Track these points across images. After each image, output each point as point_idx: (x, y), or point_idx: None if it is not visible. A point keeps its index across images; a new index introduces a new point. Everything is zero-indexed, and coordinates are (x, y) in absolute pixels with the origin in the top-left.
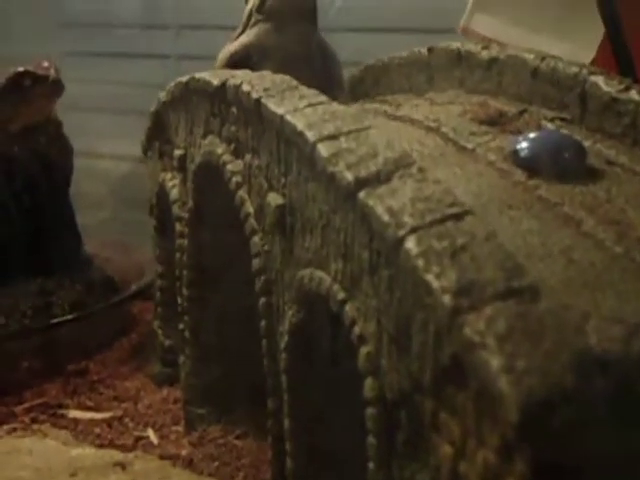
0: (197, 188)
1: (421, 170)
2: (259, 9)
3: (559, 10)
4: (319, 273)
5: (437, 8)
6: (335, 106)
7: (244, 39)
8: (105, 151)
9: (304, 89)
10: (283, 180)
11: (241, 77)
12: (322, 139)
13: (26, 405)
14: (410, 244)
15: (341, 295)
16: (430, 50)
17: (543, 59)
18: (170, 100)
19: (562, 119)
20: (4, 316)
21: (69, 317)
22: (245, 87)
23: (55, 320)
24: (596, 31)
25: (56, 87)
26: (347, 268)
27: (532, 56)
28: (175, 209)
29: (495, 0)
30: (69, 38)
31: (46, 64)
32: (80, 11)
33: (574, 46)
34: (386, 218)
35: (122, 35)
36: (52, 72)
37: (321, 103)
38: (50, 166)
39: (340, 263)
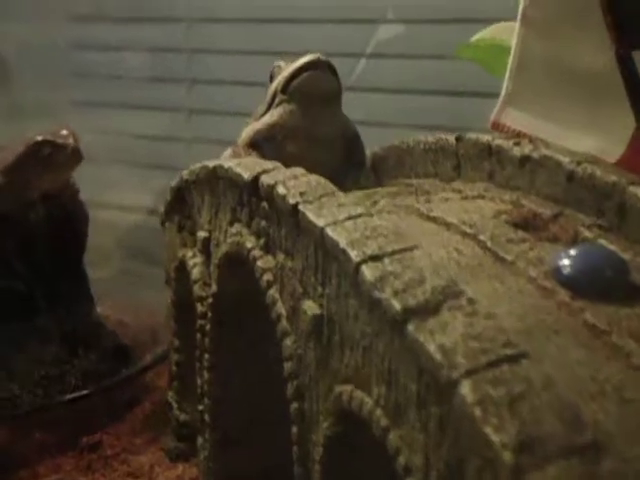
0: (223, 275)
1: (471, 302)
2: (284, 89)
3: (590, 105)
4: (360, 394)
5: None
6: (376, 220)
7: (268, 119)
8: (111, 201)
9: (341, 195)
10: (320, 290)
11: (275, 176)
12: (366, 260)
13: None
14: (465, 389)
15: (384, 422)
16: (458, 139)
17: (579, 163)
18: (194, 181)
19: (600, 226)
20: (18, 385)
21: (84, 392)
22: (281, 189)
23: (71, 396)
24: (627, 127)
25: (75, 156)
26: (391, 395)
27: (568, 159)
28: (196, 289)
29: (527, 95)
30: (78, 88)
31: (65, 132)
32: (90, 61)
33: (604, 142)
34: (438, 357)
35: (131, 87)
36: (71, 141)
37: (361, 215)
38: (66, 233)
39: (383, 388)
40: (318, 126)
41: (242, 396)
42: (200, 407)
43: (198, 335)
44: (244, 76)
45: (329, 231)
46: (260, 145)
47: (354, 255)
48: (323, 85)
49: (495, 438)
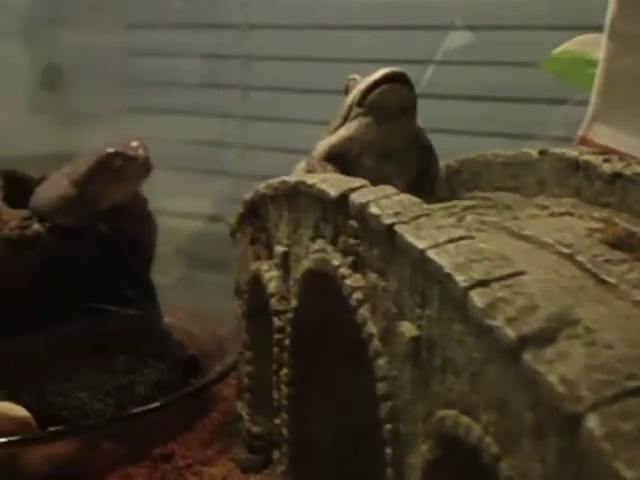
0: (304, 291)
1: (588, 330)
2: (360, 103)
3: None
4: (466, 420)
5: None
6: (478, 243)
7: (344, 132)
8: (169, 208)
9: (437, 216)
10: (418, 312)
11: (365, 194)
12: (474, 285)
13: None
14: (592, 423)
15: (495, 449)
16: (542, 153)
17: None
18: (271, 195)
19: None
20: (87, 394)
21: (157, 404)
22: (374, 209)
23: (147, 407)
24: None
25: (145, 167)
26: (502, 423)
27: None
28: (273, 303)
29: (616, 111)
30: (134, 94)
31: (135, 144)
32: (146, 68)
33: None
34: (560, 389)
35: (186, 93)
36: (141, 152)
37: (462, 238)
38: (135, 244)
39: (493, 416)
40: (394, 139)
41: (321, 411)
42: (277, 421)
43: (275, 349)
44: (299, 83)
45: (431, 254)
46: (336, 159)
47: (461, 280)
48: (400, 98)
49: (627, 474)
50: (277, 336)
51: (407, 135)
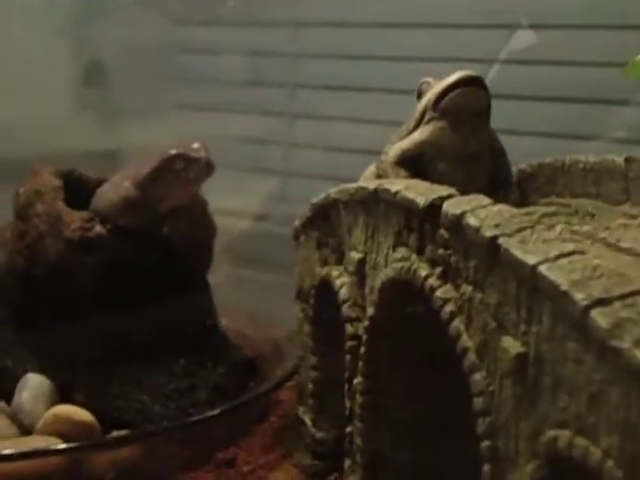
0: (383, 299)
1: None
2: (434, 106)
3: None
4: (583, 442)
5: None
6: (591, 259)
7: (417, 136)
8: (216, 205)
9: (540, 228)
10: (524, 327)
11: (458, 204)
12: (594, 304)
13: None
14: None
15: (618, 474)
16: (628, 160)
17: None
18: (345, 200)
19: None
20: (149, 397)
21: (222, 409)
22: (472, 220)
23: (213, 413)
24: None
25: (207, 169)
26: (627, 447)
27: None
28: (346, 309)
29: None
30: (181, 91)
31: (196, 145)
32: (192, 66)
33: None
34: None
35: (234, 90)
36: (203, 154)
37: (574, 253)
38: (195, 246)
39: (616, 439)
40: (469, 143)
41: (395, 420)
42: (349, 429)
43: (347, 356)
44: (347, 81)
45: (543, 270)
46: (409, 163)
47: (580, 299)
48: (475, 102)
49: None
50: (350, 343)
51: (481, 139)
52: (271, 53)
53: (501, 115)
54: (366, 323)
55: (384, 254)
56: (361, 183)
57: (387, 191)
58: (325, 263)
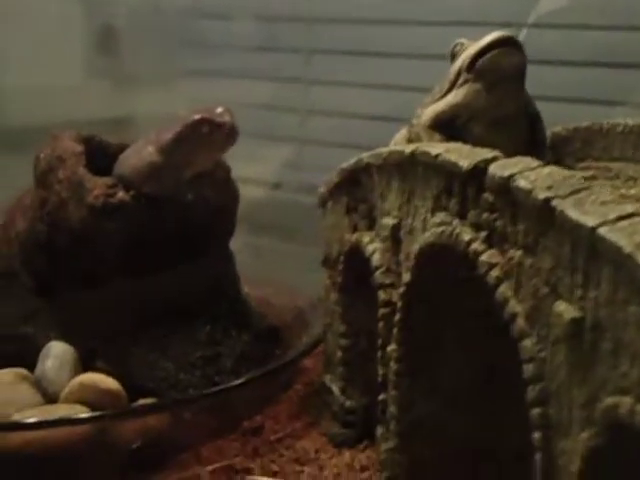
0: (421, 265)
1: None
2: (469, 68)
3: None
4: None
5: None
6: None
7: (452, 99)
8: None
9: (596, 191)
10: (580, 292)
11: (505, 166)
12: None
13: (210, 468)
14: None
15: None
16: None
17: None
18: (379, 164)
19: None
20: (173, 365)
21: (249, 377)
22: (522, 183)
23: (241, 381)
24: None
25: (232, 134)
26: None
27: None
28: (378, 276)
29: None
30: (192, 57)
31: (220, 110)
32: (205, 30)
33: None
34: None
35: (246, 55)
36: (227, 119)
37: (633, 215)
38: (219, 213)
39: None
40: (505, 106)
41: (431, 387)
42: (382, 397)
43: (380, 323)
44: (365, 46)
45: (604, 232)
46: (443, 126)
47: None
48: (511, 63)
49: None
50: (383, 310)
51: (517, 101)
52: (286, 17)
53: (530, 79)
54: (402, 289)
55: (421, 219)
56: (395, 147)
57: (426, 154)
58: (355, 229)
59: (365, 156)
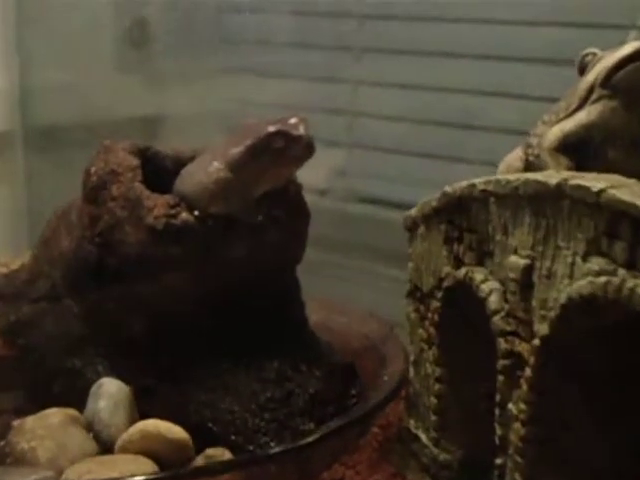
0: (566, 318)
1: None
2: (604, 83)
3: None
4: None
5: None
6: None
7: (583, 117)
8: None
9: None
10: None
11: None
12: None
13: None
14: None
15: None
16: None
17: None
18: (504, 193)
19: None
20: (240, 406)
21: (335, 427)
22: None
23: (322, 433)
24: None
25: (309, 149)
26: None
27: None
28: (498, 322)
29: None
30: (228, 54)
31: (294, 120)
32: (241, 26)
33: None
34: None
35: (287, 53)
36: (304, 131)
37: None
38: (289, 236)
39: None
40: None
41: (561, 459)
42: (499, 461)
43: (500, 377)
44: (418, 45)
45: None
46: (571, 149)
47: None
48: None
49: None
50: (504, 362)
51: None
52: (333, 13)
53: None
54: (536, 342)
55: (567, 263)
56: (528, 175)
57: (582, 189)
58: (458, 262)
59: (479, 182)
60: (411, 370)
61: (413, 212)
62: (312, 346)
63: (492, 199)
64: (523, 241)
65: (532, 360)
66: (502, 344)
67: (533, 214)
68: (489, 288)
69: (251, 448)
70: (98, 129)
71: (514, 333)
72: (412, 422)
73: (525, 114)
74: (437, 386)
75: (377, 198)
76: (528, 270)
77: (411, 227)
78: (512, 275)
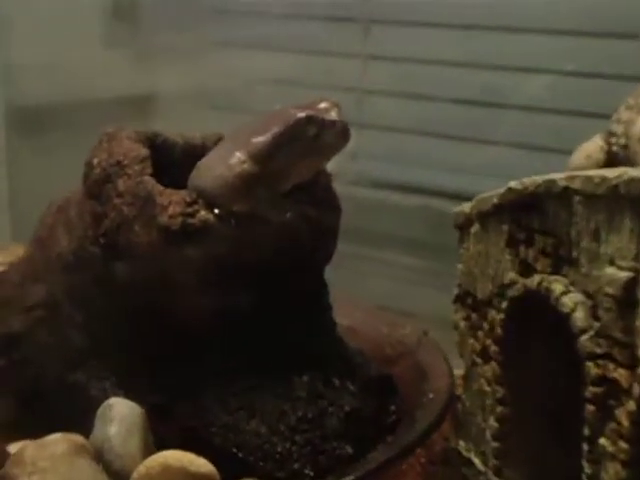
0: None
1: None
2: None
3: None
4: None
5: None
6: None
7: None
8: None
9: None
10: None
11: None
12: None
13: None
14: None
15: None
16: None
17: None
18: (592, 193)
19: None
20: (267, 428)
21: (390, 456)
22: None
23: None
24: None
25: (344, 136)
26: None
27: None
28: (586, 343)
29: None
30: (218, 26)
31: (325, 104)
32: None
33: None
34: None
35: (285, 25)
36: (337, 116)
37: None
38: (320, 235)
39: None
40: None
41: None
42: None
43: (590, 407)
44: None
45: None
46: None
47: None
48: None
49: None
50: (594, 390)
51: None
52: None
53: None
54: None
55: None
56: (632, 172)
57: None
58: (527, 268)
59: (560, 178)
60: (460, 384)
61: (466, 208)
62: (344, 356)
63: (578, 198)
64: (622, 250)
65: (637, 390)
66: (592, 369)
67: (637, 218)
68: (573, 302)
69: (282, 476)
70: (84, 109)
71: (607, 356)
72: (462, 444)
73: (555, 90)
74: (499, 409)
75: (391, 182)
76: (630, 284)
77: (463, 225)
78: (608, 290)
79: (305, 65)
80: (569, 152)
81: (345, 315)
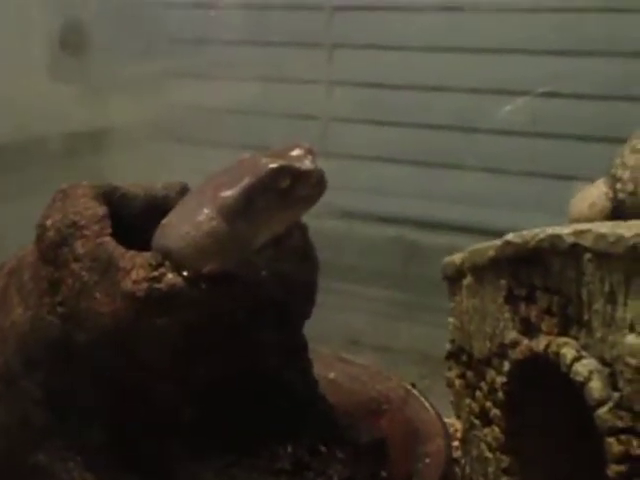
0: None
1: None
2: None
3: None
4: None
5: None
6: None
7: None
8: None
9: None
10: None
11: None
12: None
13: None
14: None
15: None
16: None
17: None
18: (605, 252)
19: None
20: None
21: None
22: None
23: None
24: None
25: (320, 187)
26: None
27: None
28: (604, 416)
29: None
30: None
31: (298, 151)
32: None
33: None
34: None
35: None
36: (312, 165)
37: None
38: (298, 291)
39: None
40: None
41: None
42: None
43: None
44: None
45: None
46: None
47: None
48: None
49: None
50: (617, 468)
51: None
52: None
53: None
54: None
55: None
56: (635, 227)
57: None
58: (529, 328)
59: (566, 233)
60: (458, 447)
61: (456, 259)
62: (330, 419)
63: (588, 256)
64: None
65: None
66: (614, 446)
67: None
68: (587, 370)
69: None
70: (33, 148)
71: (630, 430)
72: None
73: (528, 113)
74: (504, 479)
75: (359, 212)
76: None
77: (454, 277)
78: (630, 360)
79: (266, 93)
80: (546, 176)
81: (326, 367)
